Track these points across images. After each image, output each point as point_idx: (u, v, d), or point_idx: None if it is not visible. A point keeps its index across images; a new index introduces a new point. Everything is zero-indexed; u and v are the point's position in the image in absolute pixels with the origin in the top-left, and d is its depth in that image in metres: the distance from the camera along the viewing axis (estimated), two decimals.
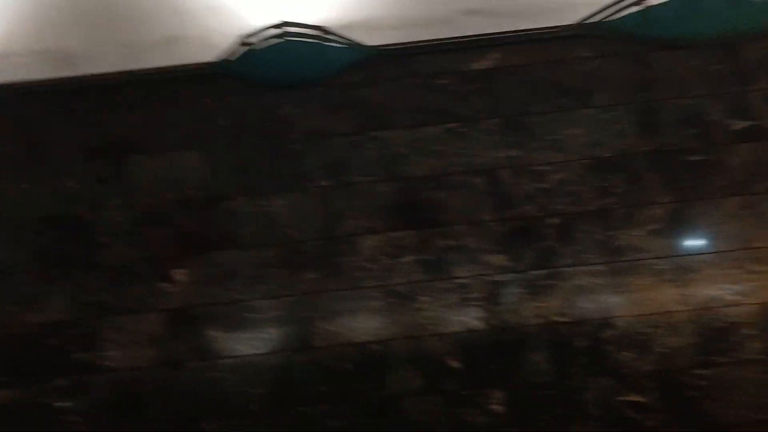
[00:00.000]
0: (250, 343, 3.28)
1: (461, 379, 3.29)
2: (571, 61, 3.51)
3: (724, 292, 3.38)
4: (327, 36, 3.47)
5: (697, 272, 3.39)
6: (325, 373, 3.26)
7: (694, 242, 3.42)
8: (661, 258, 3.40)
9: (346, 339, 3.29)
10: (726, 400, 3.32)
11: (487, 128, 3.43)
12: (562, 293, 3.36)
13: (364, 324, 3.30)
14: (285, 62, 3.47)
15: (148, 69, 3.48)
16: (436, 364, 3.31)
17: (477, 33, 3.57)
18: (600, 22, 3.50)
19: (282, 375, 3.27)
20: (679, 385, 3.34)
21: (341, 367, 3.27)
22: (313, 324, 3.30)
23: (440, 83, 3.48)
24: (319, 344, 3.28)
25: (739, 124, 3.43)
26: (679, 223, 3.41)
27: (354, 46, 3.47)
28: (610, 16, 3.50)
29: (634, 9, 3.49)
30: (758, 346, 3.36)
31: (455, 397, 3.27)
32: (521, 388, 3.31)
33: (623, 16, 3.50)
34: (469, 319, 3.33)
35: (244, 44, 3.45)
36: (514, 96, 3.46)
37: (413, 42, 3.52)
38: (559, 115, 3.45)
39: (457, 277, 3.35)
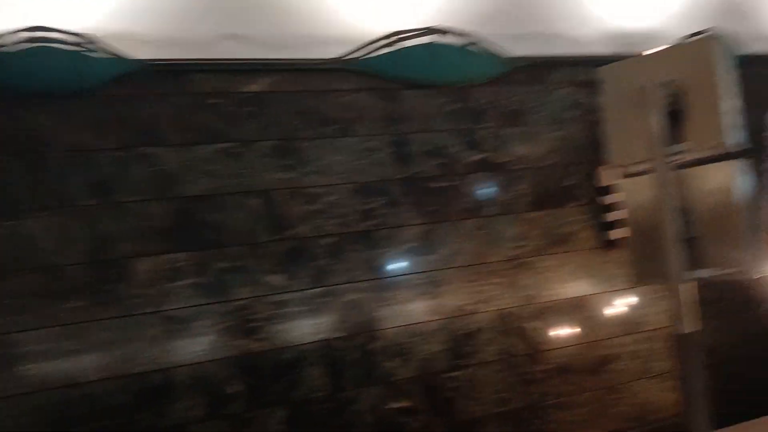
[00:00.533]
0: (10, 382, 2.83)
1: (245, 401, 3.22)
2: (333, 92, 3.73)
3: (467, 301, 3.84)
4: (89, 45, 3.22)
5: (445, 285, 3.80)
6: (99, 409, 2.95)
7: (441, 259, 3.82)
8: (416, 273, 3.74)
9: (122, 370, 3.02)
10: (473, 398, 3.75)
11: (260, 150, 3.47)
12: (336, 310, 3.51)
13: (141, 353, 3.07)
14: (39, 70, 3.13)
15: None
16: (219, 388, 3.19)
17: (239, 57, 3.60)
18: (358, 58, 3.79)
19: (49, 415, 2.87)
20: (437, 388, 3.68)
21: (118, 400, 2.98)
22: (82, 357, 2.97)
23: (212, 103, 3.43)
24: (91, 378, 2.96)
25: (473, 157, 3.97)
26: (429, 242, 3.79)
27: (119, 59, 3.27)
28: (366, 54, 3.81)
29: (387, 50, 3.84)
30: (495, 348, 3.87)
31: (240, 420, 3.19)
32: (301, 405, 3.35)
33: (378, 56, 3.83)
34: (250, 341, 3.30)
35: None
36: (284, 121, 3.56)
37: (183, 60, 3.43)
38: (325, 142, 3.63)
39: (237, 299, 3.30)
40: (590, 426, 3.96)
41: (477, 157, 3.99)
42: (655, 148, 1.85)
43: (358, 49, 3.83)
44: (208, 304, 3.24)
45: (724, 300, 4.50)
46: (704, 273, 1.89)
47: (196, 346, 3.18)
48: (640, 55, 2.00)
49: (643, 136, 1.92)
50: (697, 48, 1.87)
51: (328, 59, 3.79)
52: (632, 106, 1.94)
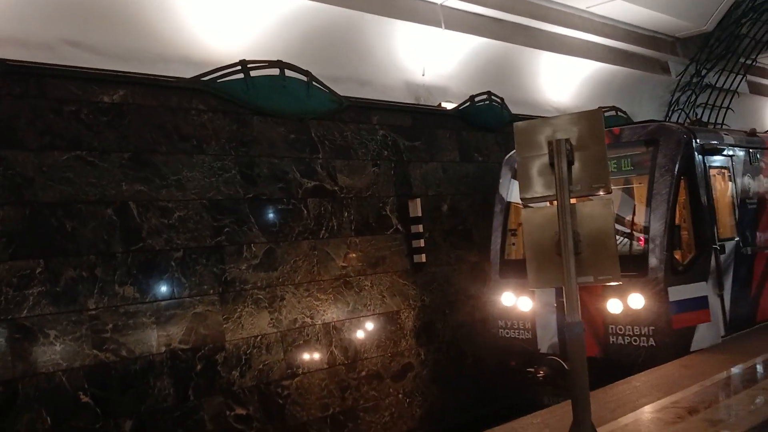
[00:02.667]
0: None
1: (93, 413, 3.00)
2: (189, 110, 3.64)
3: (301, 315, 3.95)
4: None
5: (284, 300, 3.87)
6: None
7: (280, 275, 3.89)
8: (259, 289, 3.77)
9: None
10: (302, 404, 3.85)
11: (117, 161, 3.28)
12: (184, 321, 3.41)
13: None
14: None
15: None
16: (68, 400, 2.94)
17: (82, 65, 3.36)
18: (212, 81, 3.75)
19: None
20: (272, 395, 3.72)
21: None
22: None
23: (70, 110, 3.18)
24: None
25: (309, 183, 4.11)
26: (272, 260, 3.85)
27: None
28: (220, 78, 3.78)
29: (239, 76, 3.85)
30: (323, 357, 4.02)
31: None
32: (148, 415, 3.20)
33: (230, 81, 3.82)
34: (99, 351, 3.08)
35: None
36: (142, 134, 3.40)
37: (41, 63, 3.15)
38: (180, 158, 3.53)
39: (88, 309, 3.08)
40: (392, 428, 4.28)
41: (312, 183, 4.14)
42: (561, 185, 2.24)
43: (208, 72, 3.77)
44: (59, 313, 2.98)
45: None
46: (586, 278, 2.31)
47: (46, 357, 2.91)
48: (545, 117, 2.40)
49: (545, 177, 2.30)
50: (588, 117, 2.32)
51: (185, 78, 3.68)
52: (536, 154, 2.32)
